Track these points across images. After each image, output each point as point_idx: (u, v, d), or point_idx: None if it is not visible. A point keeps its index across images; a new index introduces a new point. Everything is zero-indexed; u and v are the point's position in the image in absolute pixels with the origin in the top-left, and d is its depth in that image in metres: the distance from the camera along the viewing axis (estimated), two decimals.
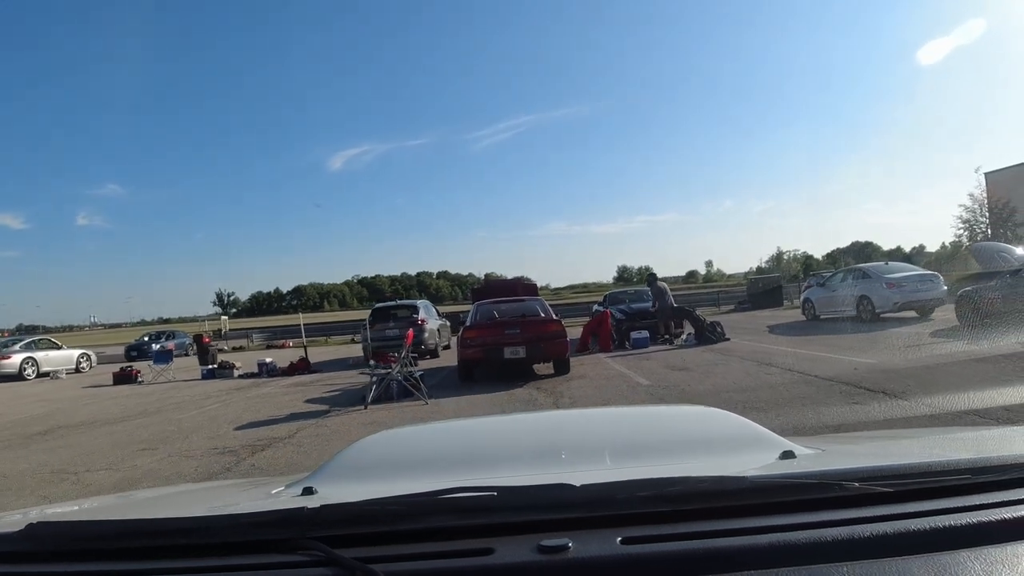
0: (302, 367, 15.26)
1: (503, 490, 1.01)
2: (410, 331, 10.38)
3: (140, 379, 16.48)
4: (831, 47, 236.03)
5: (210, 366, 16.52)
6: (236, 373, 15.76)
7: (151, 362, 17.43)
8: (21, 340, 22.94)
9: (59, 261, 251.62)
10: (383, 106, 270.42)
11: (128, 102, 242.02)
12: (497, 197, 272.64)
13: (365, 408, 8.62)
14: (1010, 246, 12.82)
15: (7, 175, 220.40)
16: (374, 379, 9.15)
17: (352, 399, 9.63)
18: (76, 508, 1.84)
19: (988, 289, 11.38)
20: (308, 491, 1.34)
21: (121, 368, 17.57)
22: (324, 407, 9.21)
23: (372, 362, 9.97)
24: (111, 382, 16.58)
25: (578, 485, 0.98)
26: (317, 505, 0.99)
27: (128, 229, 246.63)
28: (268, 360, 15.93)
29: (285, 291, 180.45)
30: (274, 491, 1.53)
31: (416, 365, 9.92)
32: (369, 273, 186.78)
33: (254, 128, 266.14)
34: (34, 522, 1.03)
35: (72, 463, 6.76)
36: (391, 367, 9.20)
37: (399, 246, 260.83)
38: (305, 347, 17.42)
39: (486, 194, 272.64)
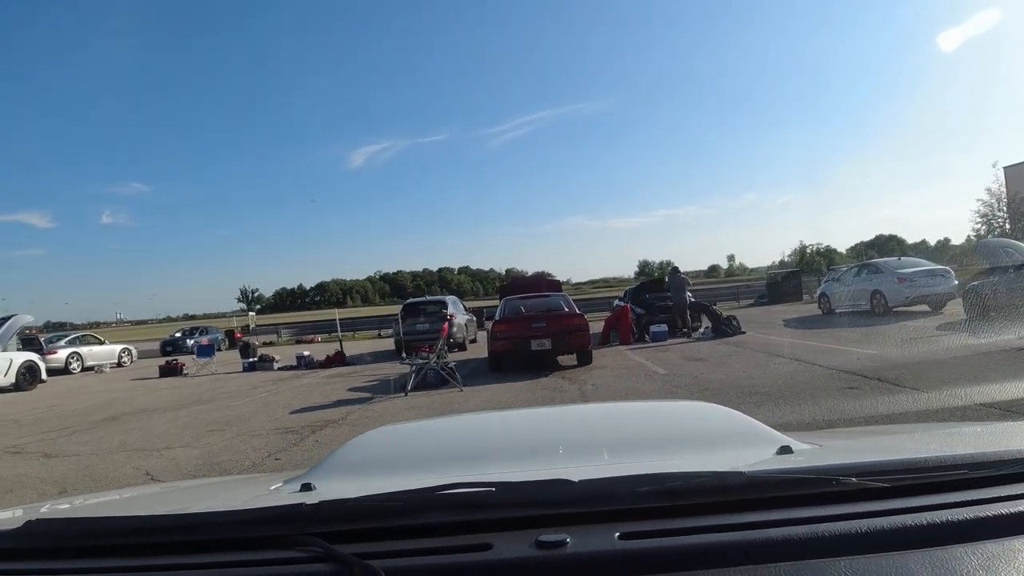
0: (338, 360, 16.16)
1: (501, 486, 1.02)
2: (445, 325, 11.24)
3: (185, 372, 17.42)
4: (853, 39, 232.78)
5: (251, 359, 17.42)
6: (276, 366, 16.67)
7: (195, 355, 18.43)
8: (67, 335, 24.08)
9: (84, 259, 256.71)
10: (400, 103, 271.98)
11: (150, 101, 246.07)
12: (515, 192, 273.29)
13: (405, 395, 9.42)
14: (1017, 242, 13.21)
15: (32, 176, 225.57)
16: (413, 368, 9.97)
17: (391, 387, 10.36)
18: (75, 505, 1.83)
19: (993, 284, 11.84)
20: (306, 487, 1.36)
21: (167, 362, 18.57)
22: (367, 394, 10.03)
23: (404, 355, 10.82)
24: (157, 375, 17.50)
25: (576, 480, 1.00)
26: (315, 501, 1.01)
27: (151, 227, 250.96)
28: (306, 353, 16.85)
29: (308, 287, 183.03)
30: (272, 487, 1.55)
31: (447, 357, 10.73)
32: (391, 269, 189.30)
33: (275, 126, 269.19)
34: (32, 519, 1.05)
35: (150, 442, 7.60)
36: (429, 357, 10.01)
37: (420, 242, 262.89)
38: (341, 341, 18.30)
39: (504, 189, 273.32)
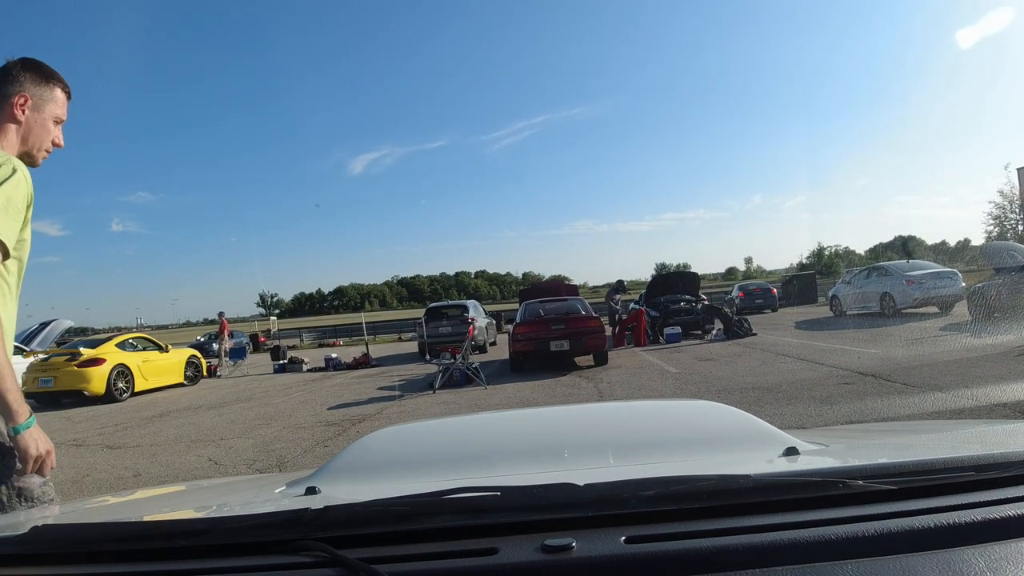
0: (364, 361, 16.93)
1: (507, 490, 1.03)
2: (471, 328, 11.97)
3: (218, 374, 18.26)
4: (863, 39, 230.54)
5: (281, 361, 18.26)
6: (305, 367, 17.44)
7: (227, 358, 19.27)
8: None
9: (99, 265, 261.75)
10: (400, 110, 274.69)
11: (158, 109, 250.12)
12: (529, 196, 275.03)
13: (434, 392, 10.12)
14: (1020, 245, 13.60)
15: (42, 185, 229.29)
16: (441, 368, 10.68)
17: (419, 386, 11.12)
18: (79, 510, 1.82)
19: (997, 286, 12.27)
20: (311, 491, 1.36)
21: None
22: (397, 392, 10.72)
23: (428, 356, 11.54)
24: None
25: (582, 484, 1.01)
26: (321, 506, 1.01)
27: (164, 234, 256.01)
28: (334, 355, 17.72)
29: (327, 292, 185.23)
30: (277, 490, 1.55)
31: (470, 357, 11.42)
32: (408, 273, 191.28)
33: (286, 134, 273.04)
34: (38, 525, 1.05)
35: (206, 434, 8.30)
36: (455, 357, 10.71)
37: (436, 246, 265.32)
38: (367, 343, 19.10)
39: (518, 194, 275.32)
